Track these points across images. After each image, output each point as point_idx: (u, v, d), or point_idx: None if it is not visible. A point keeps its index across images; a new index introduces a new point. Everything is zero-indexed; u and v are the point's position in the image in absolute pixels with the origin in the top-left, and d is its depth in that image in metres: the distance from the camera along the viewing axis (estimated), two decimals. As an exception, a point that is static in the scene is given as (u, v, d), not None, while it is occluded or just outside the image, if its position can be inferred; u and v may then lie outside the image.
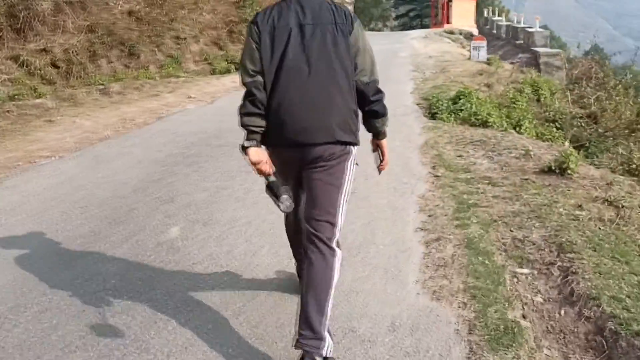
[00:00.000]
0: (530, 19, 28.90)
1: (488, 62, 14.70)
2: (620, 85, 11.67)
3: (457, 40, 28.93)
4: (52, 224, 4.03)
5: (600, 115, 8.82)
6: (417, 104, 8.69)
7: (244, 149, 2.35)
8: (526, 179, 4.80)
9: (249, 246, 3.60)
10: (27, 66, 9.93)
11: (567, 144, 5.97)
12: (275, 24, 2.35)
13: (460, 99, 8.21)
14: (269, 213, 4.13)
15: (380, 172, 2.69)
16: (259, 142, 2.38)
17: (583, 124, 8.60)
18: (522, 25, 21.83)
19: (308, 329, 2.28)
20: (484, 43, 14.56)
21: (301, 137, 2.33)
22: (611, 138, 7.99)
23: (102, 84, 9.82)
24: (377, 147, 2.59)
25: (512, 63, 18.30)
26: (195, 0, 14.53)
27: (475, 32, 36.51)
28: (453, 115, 7.59)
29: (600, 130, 8.13)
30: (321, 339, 2.29)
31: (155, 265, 3.34)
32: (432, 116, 7.84)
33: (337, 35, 2.35)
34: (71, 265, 3.34)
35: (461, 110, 7.74)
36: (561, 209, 4.08)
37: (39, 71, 10.03)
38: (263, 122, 2.36)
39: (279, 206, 2.34)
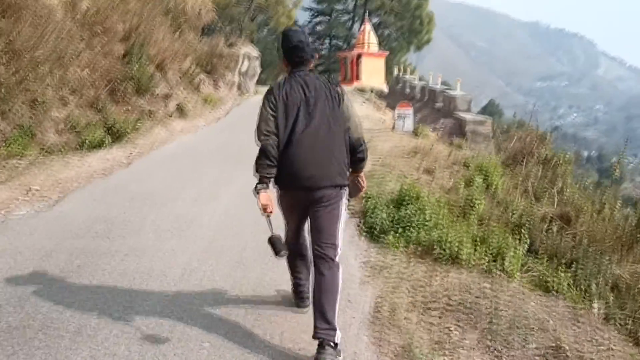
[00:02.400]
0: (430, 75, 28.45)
1: (415, 133, 12.93)
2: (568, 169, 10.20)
3: (371, 100, 27.68)
4: None
5: (575, 217, 6.95)
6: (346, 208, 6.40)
7: (257, 191, 3.13)
8: None
9: None
10: None
11: (595, 306, 3.82)
12: (288, 96, 3.12)
13: (406, 203, 5.99)
14: None
15: (356, 196, 3.53)
16: (269, 186, 3.16)
17: (556, 230, 6.65)
18: (440, 87, 20.65)
19: (324, 322, 3.05)
20: (409, 111, 12.79)
21: (310, 182, 3.12)
22: (600, 253, 6.05)
23: None
24: (356, 176, 3.40)
25: (434, 129, 16.82)
26: (62, 53, 11.63)
27: (386, 90, 35.90)
28: (402, 235, 5.31)
29: (585, 241, 6.18)
30: (334, 329, 3.07)
31: None
32: (371, 233, 5.54)
33: (333, 105, 3.16)
34: None
35: (410, 224, 5.49)
36: None
37: None
38: (274, 171, 3.14)
39: (276, 255, 3.20)
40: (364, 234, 5.52)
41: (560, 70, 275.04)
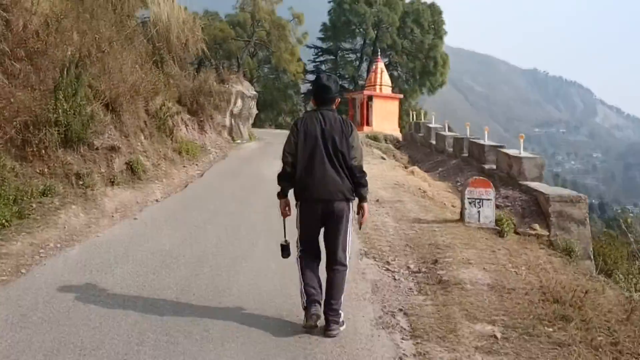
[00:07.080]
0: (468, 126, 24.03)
1: (498, 229, 7.99)
2: None
3: (389, 152, 22.87)
4: None
5: None
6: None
7: (279, 197, 4.34)
8: None
9: None
10: None
11: None
12: (308, 128, 4.17)
13: None
14: None
15: (360, 226, 4.54)
16: (287, 195, 4.32)
17: None
18: (488, 142, 15.72)
19: (332, 310, 4.12)
20: (491, 193, 7.90)
21: (326, 196, 4.10)
22: None
23: None
24: (360, 208, 4.30)
25: (496, 207, 11.87)
26: None
27: (399, 136, 31.26)
28: None
29: None
30: (339, 315, 4.17)
31: None
32: None
33: (342, 138, 4.13)
34: None
35: None
36: None
37: None
38: (290, 185, 4.26)
39: (284, 256, 4.35)
40: None
41: (558, 117, 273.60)
